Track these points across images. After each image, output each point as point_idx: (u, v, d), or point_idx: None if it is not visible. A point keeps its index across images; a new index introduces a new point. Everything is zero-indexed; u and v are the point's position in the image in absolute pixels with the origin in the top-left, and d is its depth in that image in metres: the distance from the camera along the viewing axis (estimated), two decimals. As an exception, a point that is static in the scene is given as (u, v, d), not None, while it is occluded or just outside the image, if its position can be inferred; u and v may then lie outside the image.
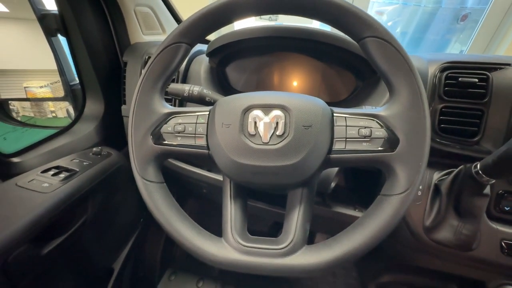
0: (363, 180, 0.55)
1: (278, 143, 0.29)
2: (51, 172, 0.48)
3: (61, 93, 0.69)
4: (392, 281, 0.66)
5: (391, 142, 0.28)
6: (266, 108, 0.30)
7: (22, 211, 0.40)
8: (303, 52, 0.53)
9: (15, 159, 0.48)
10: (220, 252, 0.30)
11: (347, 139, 0.29)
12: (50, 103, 0.87)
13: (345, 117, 0.30)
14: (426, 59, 0.46)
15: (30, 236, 0.39)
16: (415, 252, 0.47)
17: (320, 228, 0.70)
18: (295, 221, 0.31)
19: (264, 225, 0.98)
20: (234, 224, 0.32)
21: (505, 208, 0.41)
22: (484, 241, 0.41)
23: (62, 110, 0.89)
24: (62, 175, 0.48)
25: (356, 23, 0.29)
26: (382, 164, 0.29)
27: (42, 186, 0.44)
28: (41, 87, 0.59)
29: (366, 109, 0.31)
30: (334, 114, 0.31)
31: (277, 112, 0.30)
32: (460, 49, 2.28)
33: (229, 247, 0.31)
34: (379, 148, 0.28)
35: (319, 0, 0.29)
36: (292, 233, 0.31)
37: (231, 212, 0.33)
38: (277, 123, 0.29)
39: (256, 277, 0.90)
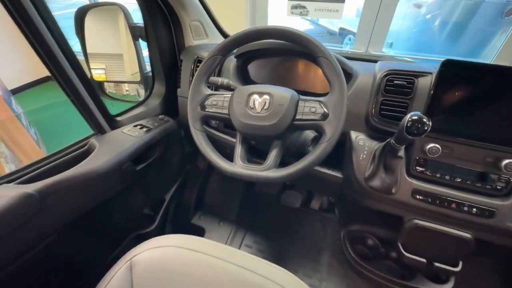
0: (334, 150, 0.79)
1: (265, 113, 0.55)
2: (138, 127, 0.79)
3: (138, 78, 1.02)
4: (357, 229, 0.89)
5: (325, 115, 0.53)
6: (260, 94, 0.56)
7: (126, 145, 0.71)
8: (301, 56, 0.77)
9: (118, 118, 0.80)
10: (230, 167, 0.58)
11: (303, 113, 0.54)
12: (126, 85, 1.21)
13: (304, 100, 0.55)
14: (378, 68, 0.67)
15: (130, 158, 0.71)
16: (360, 196, 0.70)
17: (306, 185, 0.95)
18: (272, 156, 0.57)
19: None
20: (239, 156, 0.59)
21: (418, 168, 0.63)
22: (401, 189, 0.64)
23: (133, 91, 1.23)
24: (144, 129, 0.79)
25: (314, 48, 0.53)
26: (319, 127, 0.53)
27: (135, 134, 0.76)
28: (132, 74, 0.91)
29: (316, 97, 0.56)
30: (300, 99, 0.56)
31: (265, 96, 0.56)
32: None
33: (236, 166, 0.58)
34: (318, 118, 0.53)
35: (296, 35, 0.54)
36: (269, 161, 0.57)
37: (239, 150, 0.60)
38: (265, 102, 0.55)
39: (262, 223, 1.19)
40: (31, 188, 0.51)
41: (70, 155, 0.66)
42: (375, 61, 0.74)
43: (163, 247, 0.55)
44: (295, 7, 2.50)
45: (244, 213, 1.20)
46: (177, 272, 0.52)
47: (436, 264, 0.67)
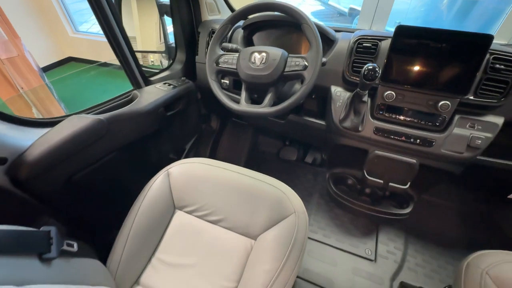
0: (319, 103, 1.00)
1: (262, 66, 0.76)
2: (166, 84, 1.02)
3: (163, 49, 1.24)
4: (339, 172, 1.11)
5: (305, 66, 0.73)
6: (259, 52, 0.77)
7: (158, 96, 0.94)
8: (294, 28, 0.96)
9: (150, 78, 1.03)
10: (237, 106, 0.80)
11: (290, 66, 0.75)
12: (150, 55, 1.43)
13: (291, 57, 0.76)
14: (353, 35, 0.86)
15: (162, 105, 0.94)
16: (337, 135, 0.91)
17: (299, 134, 1.16)
18: (267, 98, 0.79)
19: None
20: (243, 99, 0.81)
21: (379, 112, 0.83)
22: (366, 128, 0.84)
23: (157, 61, 1.45)
24: (170, 86, 1.02)
25: (298, 17, 0.73)
26: (301, 75, 0.74)
27: (164, 89, 0.99)
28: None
29: (300, 54, 0.76)
30: (288, 56, 0.76)
31: (263, 54, 0.76)
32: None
33: (241, 105, 0.80)
34: (300, 69, 0.74)
35: (285, 6, 0.74)
36: (265, 102, 0.78)
37: (243, 95, 0.82)
38: (262, 58, 0.76)
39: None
40: (102, 116, 0.75)
41: (120, 101, 0.90)
42: None
43: (191, 163, 0.79)
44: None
45: (249, 166, 1.44)
46: (201, 176, 0.76)
47: (390, 183, 0.89)
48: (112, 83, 3.17)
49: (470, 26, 3.27)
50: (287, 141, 1.51)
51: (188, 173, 0.77)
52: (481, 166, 0.84)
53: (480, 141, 0.75)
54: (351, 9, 4.50)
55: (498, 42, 2.25)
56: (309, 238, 1.12)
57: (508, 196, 0.94)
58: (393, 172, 0.88)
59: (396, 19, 4.01)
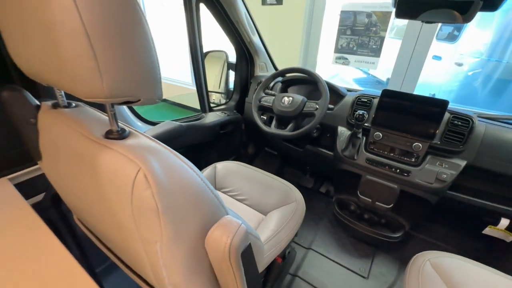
0: (330, 139, 1.33)
1: (288, 105, 1.16)
2: (222, 113, 1.48)
3: (222, 91, 1.75)
4: (344, 197, 1.37)
5: (316, 109, 1.11)
6: (288, 96, 1.18)
7: (217, 119, 1.39)
8: (313, 85, 1.38)
9: (214, 108, 1.51)
10: (268, 129, 1.19)
11: (306, 107, 1.14)
12: (213, 94, 1.97)
13: (308, 101, 1.15)
14: (356, 93, 1.23)
15: (219, 124, 1.38)
16: (339, 162, 1.21)
17: (314, 160, 1.47)
18: (289, 126, 1.16)
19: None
20: (274, 125, 1.20)
21: (370, 146, 1.13)
22: (360, 157, 1.14)
23: (217, 98, 1.97)
24: (225, 114, 1.47)
25: (315, 78, 1.15)
26: (313, 114, 1.12)
27: (221, 115, 1.44)
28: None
29: (314, 100, 1.14)
30: (306, 101, 1.16)
31: (290, 98, 1.17)
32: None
33: (271, 129, 1.19)
34: (314, 111, 1.12)
35: (307, 71, 1.16)
36: (288, 128, 1.16)
37: (274, 122, 1.21)
38: (289, 100, 1.17)
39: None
40: (183, 123, 1.19)
41: (194, 118, 1.36)
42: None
43: (231, 162, 1.17)
44: (339, 58, 3.17)
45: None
46: (236, 171, 1.12)
47: (377, 202, 1.13)
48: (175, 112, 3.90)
49: (504, 104, 3.40)
50: (307, 173, 1.81)
51: (228, 168, 1.14)
52: (454, 201, 1.04)
53: (446, 176, 0.99)
54: (388, 79, 4.96)
55: None
56: (312, 249, 1.33)
57: (482, 232, 1.08)
58: (379, 193, 1.12)
59: (431, 91, 4.35)
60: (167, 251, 0.35)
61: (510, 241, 1.04)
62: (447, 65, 3.80)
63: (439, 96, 3.93)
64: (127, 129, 0.40)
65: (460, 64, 3.70)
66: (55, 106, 0.47)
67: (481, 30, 3.72)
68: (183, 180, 0.37)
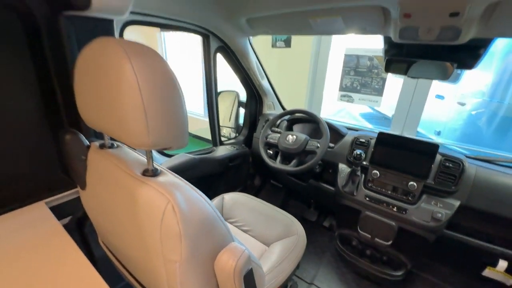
0: (332, 175, 1.41)
1: (292, 143, 1.27)
2: (232, 147, 1.60)
3: (232, 126, 1.90)
4: (346, 233, 1.41)
5: (317, 147, 1.22)
6: (292, 135, 1.30)
7: (227, 152, 1.51)
8: (315, 123, 1.50)
9: (224, 142, 1.64)
10: (273, 164, 1.29)
11: (309, 145, 1.25)
12: (224, 128, 2.12)
13: (311, 140, 1.26)
14: (355, 133, 1.33)
15: (228, 158, 1.50)
16: (340, 197, 1.28)
17: (316, 194, 1.53)
18: (293, 162, 1.26)
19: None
20: (278, 160, 1.30)
21: (369, 183, 1.21)
22: (359, 194, 1.21)
23: (227, 132, 2.12)
24: (234, 148, 1.59)
25: (316, 119, 1.28)
26: (314, 152, 1.22)
27: (230, 149, 1.56)
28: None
29: (316, 139, 1.26)
30: (309, 140, 1.27)
31: (294, 136, 1.29)
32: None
33: (276, 164, 1.29)
34: (316, 149, 1.22)
35: (309, 113, 1.29)
36: (291, 164, 1.26)
37: (279, 158, 1.32)
38: (293, 138, 1.28)
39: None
40: (196, 156, 1.31)
41: (205, 151, 1.49)
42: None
43: (238, 194, 1.26)
44: (343, 95, 3.35)
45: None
46: (243, 203, 1.20)
47: (376, 239, 1.16)
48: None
49: (510, 143, 3.43)
50: (311, 206, 1.86)
51: (235, 199, 1.23)
52: (452, 240, 1.08)
53: (440, 215, 1.04)
54: (393, 115, 5.10)
55: None
56: (314, 285, 1.34)
57: (482, 273, 1.08)
58: (378, 230, 1.17)
59: (437, 128, 4.43)
60: (184, 270, 0.44)
61: (510, 285, 1.05)
62: (450, 104, 3.93)
63: (445, 133, 4.00)
64: (158, 168, 0.52)
65: (463, 104, 3.81)
66: (102, 146, 0.59)
67: (482, 71, 3.89)
68: (200, 211, 0.46)
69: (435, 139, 4.10)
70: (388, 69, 1.01)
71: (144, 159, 0.56)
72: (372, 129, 2.57)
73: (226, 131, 2.06)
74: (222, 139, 1.65)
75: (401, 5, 0.70)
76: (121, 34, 0.90)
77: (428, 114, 4.12)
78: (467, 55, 0.87)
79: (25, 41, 0.75)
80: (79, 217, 0.92)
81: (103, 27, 0.75)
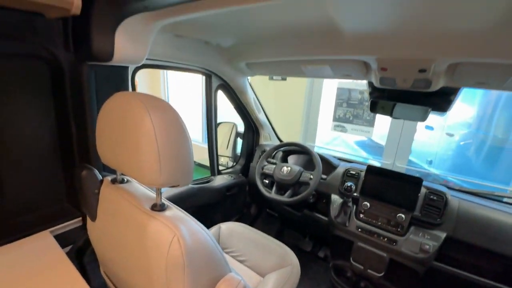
0: (325, 205, 1.47)
1: (287, 174, 1.35)
2: (229, 176, 1.67)
3: (229, 155, 1.98)
4: (340, 263, 1.43)
5: (311, 179, 1.29)
6: (287, 167, 1.37)
7: (224, 182, 1.57)
8: (308, 155, 1.59)
9: (222, 171, 1.70)
10: (269, 194, 1.35)
11: (303, 177, 1.32)
12: (222, 159, 2.19)
13: (304, 172, 1.34)
14: (347, 165, 1.41)
15: (225, 187, 1.55)
16: (332, 228, 1.32)
17: (308, 227, 1.57)
18: (288, 193, 1.32)
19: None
20: (274, 191, 1.36)
21: (360, 214, 1.26)
22: (351, 224, 1.26)
23: (224, 160, 2.19)
24: (232, 177, 1.66)
25: (309, 151, 1.36)
26: (308, 183, 1.29)
27: (228, 178, 1.62)
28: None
29: (309, 171, 1.33)
30: (302, 171, 1.35)
31: (289, 168, 1.37)
32: None
33: (271, 194, 1.35)
34: (309, 180, 1.29)
35: (301, 145, 1.38)
36: (286, 194, 1.32)
37: (274, 188, 1.38)
38: (288, 170, 1.36)
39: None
40: (195, 186, 1.37)
41: (204, 181, 1.54)
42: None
43: (235, 223, 1.30)
44: (337, 126, 3.49)
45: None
46: (239, 233, 1.24)
47: (369, 270, 1.19)
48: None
49: (502, 170, 3.53)
50: (306, 236, 1.88)
51: (231, 229, 1.27)
52: (442, 272, 1.11)
53: (428, 246, 1.09)
54: (385, 145, 5.27)
55: None
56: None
57: None
58: (370, 261, 1.20)
59: (428, 157, 4.54)
60: (185, 299, 0.49)
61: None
62: (439, 134, 4.09)
63: (436, 163, 4.12)
64: (165, 203, 0.58)
65: (451, 135, 3.98)
66: (114, 181, 0.66)
67: (467, 105, 4.10)
68: (201, 242, 0.52)
69: (428, 168, 4.20)
70: (373, 110, 1.12)
71: (151, 194, 0.62)
72: (363, 159, 2.66)
73: (224, 160, 2.14)
74: (220, 167, 1.72)
75: (378, 61, 0.82)
76: (133, 77, 1.00)
77: (420, 143, 4.27)
78: (440, 100, 0.99)
79: (49, 82, 0.84)
80: (79, 245, 0.95)
81: (119, 73, 0.86)
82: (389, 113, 1.09)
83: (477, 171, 3.73)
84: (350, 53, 0.84)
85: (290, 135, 3.46)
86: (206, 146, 1.66)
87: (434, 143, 4.33)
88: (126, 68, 0.87)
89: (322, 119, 3.70)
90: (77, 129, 0.86)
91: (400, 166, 3.11)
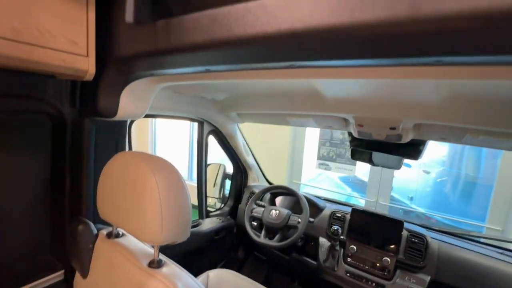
0: (314, 248, 1.48)
1: (275, 217, 1.37)
2: (218, 218, 1.66)
3: (217, 196, 1.99)
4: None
5: (299, 222, 1.32)
6: (275, 210, 1.41)
7: (212, 226, 1.56)
8: (295, 196, 1.64)
9: (210, 214, 1.70)
10: (258, 239, 1.35)
11: (291, 220, 1.35)
12: (210, 200, 2.19)
13: (292, 215, 1.37)
14: (330, 206, 1.47)
15: (213, 230, 1.53)
16: (321, 272, 1.32)
17: (297, 271, 1.55)
18: (277, 237, 1.34)
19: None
20: (263, 235, 1.37)
21: (348, 258, 1.28)
22: (340, 269, 1.27)
23: (212, 201, 2.18)
24: (220, 220, 1.65)
25: (295, 194, 1.42)
26: (296, 227, 1.32)
27: (216, 221, 1.62)
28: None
29: (297, 214, 1.37)
30: (291, 215, 1.38)
31: (277, 211, 1.40)
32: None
33: (260, 238, 1.35)
34: (297, 224, 1.33)
35: (288, 188, 1.44)
36: (275, 239, 1.33)
37: (263, 232, 1.39)
38: (276, 213, 1.39)
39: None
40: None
41: (192, 225, 1.53)
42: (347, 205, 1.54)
43: (223, 271, 1.27)
44: (321, 164, 3.61)
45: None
46: (227, 281, 1.21)
47: None
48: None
49: (477, 206, 3.70)
50: (296, 281, 1.83)
51: (219, 276, 1.24)
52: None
53: (414, 291, 1.11)
54: (368, 182, 5.43)
55: (492, 227, 2.66)
56: None
57: None
58: (360, 306, 1.20)
59: (409, 194, 4.70)
60: None
61: None
62: (417, 172, 4.32)
63: (417, 199, 4.27)
64: (163, 259, 0.60)
65: (427, 172, 4.22)
66: (109, 235, 0.67)
67: (440, 143, 4.42)
68: None
69: (409, 204, 4.32)
70: (353, 157, 1.23)
71: (148, 249, 0.64)
72: (348, 196, 2.73)
73: (212, 201, 2.13)
74: (209, 208, 1.71)
75: (355, 118, 0.94)
76: (129, 127, 1.06)
77: (400, 180, 4.44)
78: (411, 150, 1.11)
79: (49, 135, 0.88)
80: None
81: (119, 126, 0.91)
82: (368, 160, 1.19)
83: (454, 207, 3.90)
84: (331, 111, 0.95)
85: (277, 174, 3.53)
86: (191, 183, 1.68)
87: (413, 179, 4.53)
88: (125, 121, 0.93)
89: (307, 157, 3.83)
90: (71, 181, 0.87)
91: (383, 204, 3.20)
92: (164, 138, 4.75)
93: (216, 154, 2.05)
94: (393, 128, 0.89)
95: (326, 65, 0.43)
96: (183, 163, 4.22)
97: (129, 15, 0.62)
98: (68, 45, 0.62)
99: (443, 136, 0.94)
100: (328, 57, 0.39)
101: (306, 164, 3.88)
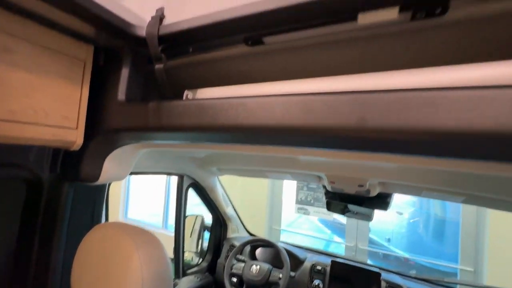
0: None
1: (256, 273, 1.34)
2: (195, 277, 1.57)
3: (194, 250, 1.90)
4: None
5: (280, 278, 1.30)
6: (256, 265, 1.38)
7: (191, 284, 1.46)
8: (276, 249, 1.62)
9: (187, 272, 1.60)
10: None
11: (272, 275, 1.33)
12: (187, 253, 2.07)
13: (274, 270, 1.35)
14: (314, 259, 1.47)
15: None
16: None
17: None
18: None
19: None
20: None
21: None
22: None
23: (189, 256, 2.06)
24: (198, 279, 1.56)
25: (276, 247, 1.41)
26: (278, 283, 1.29)
27: (194, 279, 1.52)
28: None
29: (279, 269, 1.35)
30: (272, 269, 1.36)
31: (258, 266, 1.37)
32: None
33: None
34: (278, 280, 1.30)
35: (269, 242, 1.43)
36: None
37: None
38: (257, 269, 1.36)
39: None
40: None
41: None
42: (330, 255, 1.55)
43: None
44: (300, 208, 3.64)
45: None
46: None
47: None
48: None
49: (449, 245, 3.83)
50: None
51: None
52: None
53: None
54: (346, 225, 5.51)
55: (464, 268, 2.74)
56: None
57: None
58: None
59: (386, 235, 4.77)
60: None
61: None
62: (391, 213, 4.48)
63: (394, 240, 4.35)
64: None
65: (400, 213, 4.40)
66: None
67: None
68: None
69: (387, 245, 4.36)
70: (329, 208, 1.29)
71: None
72: (327, 239, 2.75)
73: (189, 255, 2.02)
74: (186, 264, 1.62)
75: (327, 176, 1.03)
76: (108, 186, 1.05)
77: (377, 222, 4.55)
78: (380, 201, 1.20)
79: (22, 199, 0.84)
80: None
81: (98, 189, 0.91)
82: (342, 212, 1.26)
83: (429, 248, 4.01)
84: (305, 170, 1.04)
85: (257, 221, 3.48)
86: (165, 232, 1.61)
87: (388, 220, 4.66)
88: (105, 184, 0.93)
89: (286, 201, 3.86)
90: (39, 247, 0.82)
91: (362, 248, 3.21)
92: (138, 186, 4.57)
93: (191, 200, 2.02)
94: (361, 186, 0.99)
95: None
96: (158, 210, 4.03)
97: (121, 94, 0.69)
98: (59, 120, 0.66)
99: (404, 191, 1.05)
100: (293, 145, 0.48)
101: (286, 208, 3.88)
